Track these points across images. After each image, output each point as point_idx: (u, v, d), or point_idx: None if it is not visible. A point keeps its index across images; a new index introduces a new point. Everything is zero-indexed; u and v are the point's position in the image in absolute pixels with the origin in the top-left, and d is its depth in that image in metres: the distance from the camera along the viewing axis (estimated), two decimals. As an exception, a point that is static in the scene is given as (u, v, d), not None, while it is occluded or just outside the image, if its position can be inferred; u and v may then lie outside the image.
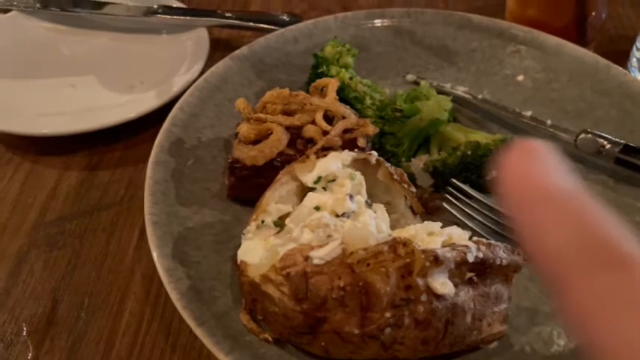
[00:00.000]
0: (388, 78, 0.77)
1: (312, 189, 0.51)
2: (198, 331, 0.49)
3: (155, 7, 0.90)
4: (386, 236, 0.46)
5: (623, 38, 0.87)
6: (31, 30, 0.91)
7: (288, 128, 0.60)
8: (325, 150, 0.57)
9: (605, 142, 0.63)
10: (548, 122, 0.68)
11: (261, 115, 0.61)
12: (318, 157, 0.53)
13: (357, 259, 0.43)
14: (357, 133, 0.61)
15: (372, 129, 0.61)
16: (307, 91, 0.66)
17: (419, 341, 0.44)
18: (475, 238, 0.46)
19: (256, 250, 0.49)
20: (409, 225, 0.51)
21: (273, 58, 0.77)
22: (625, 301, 0.20)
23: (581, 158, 0.66)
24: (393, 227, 0.52)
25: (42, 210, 0.68)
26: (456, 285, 0.44)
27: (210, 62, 0.78)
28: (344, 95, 0.68)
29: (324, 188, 0.51)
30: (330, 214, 0.48)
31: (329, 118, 0.62)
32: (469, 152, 0.62)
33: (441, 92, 0.72)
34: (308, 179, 0.52)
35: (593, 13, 0.80)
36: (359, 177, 0.52)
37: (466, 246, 0.45)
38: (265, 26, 0.87)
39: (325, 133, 0.60)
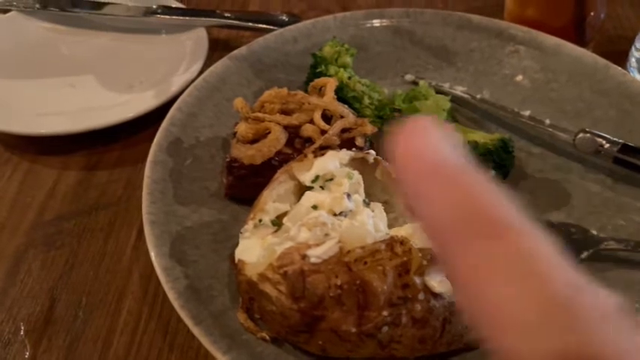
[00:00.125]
0: (387, 78, 0.77)
1: (310, 188, 0.51)
2: (195, 330, 0.49)
3: (154, 7, 0.90)
4: (383, 235, 0.46)
5: (622, 38, 0.87)
6: (30, 30, 0.91)
7: (286, 127, 0.60)
8: (323, 149, 0.57)
9: (604, 142, 0.63)
10: (547, 122, 0.68)
11: (260, 115, 0.61)
12: (315, 156, 0.53)
13: (354, 257, 0.43)
14: (356, 133, 0.61)
15: (370, 128, 0.61)
16: (306, 91, 0.66)
17: (416, 340, 0.44)
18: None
19: (254, 249, 0.49)
20: (407, 224, 0.51)
21: (271, 58, 0.77)
22: (497, 268, 0.21)
23: (580, 158, 0.66)
24: (390, 226, 0.52)
25: (40, 209, 0.68)
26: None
27: (209, 62, 0.78)
28: (342, 95, 0.68)
29: (322, 187, 0.51)
30: (328, 212, 0.48)
31: (327, 118, 0.62)
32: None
33: (439, 92, 0.72)
34: (306, 178, 0.52)
35: (592, 14, 0.80)
36: (357, 176, 0.52)
37: (463, 245, 0.44)
38: (264, 26, 0.87)
39: (323, 132, 0.60)
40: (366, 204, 0.51)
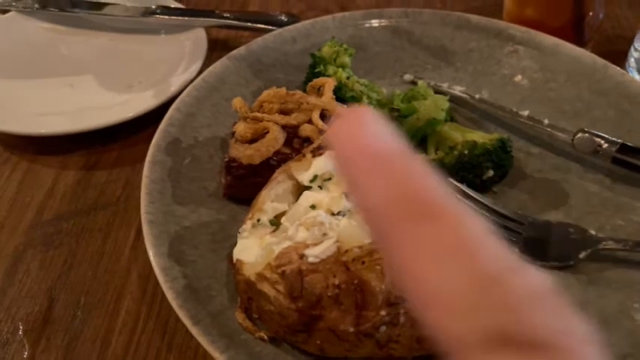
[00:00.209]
0: (385, 78, 0.77)
1: (308, 187, 0.51)
2: (193, 330, 0.49)
3: (153, 7, 0.90)
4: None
5: (620, 38, 0.87)
6: (29, 30, 0.91)
7: (284, 127, 0.60)
8: (321, 149, 0.57)
9: (602, 142, 0.63)
10: (546, 122, 0.68)
11: (258, 115, 0.61)
12: (314, 156, 0.53)
13: (352, 257, 0.43)
14: (354, 133, 0.61)
15: (368, 128, 0.61)
16: (304, 91, 0.66)
17: (414, 339, 0.44)
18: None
19: (252, 249, 0.49)
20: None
21: (270, 58, 0.77)
22: (431, 250, 0.21)
23: (578, 158, 0.66)
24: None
25: (39, 209, 0.68)
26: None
27: (208, 62, 0.78)
28: (341, 95, 0.68)
29: (320, 187, 0.51)
30: (326, 212, 0.48)
31: (326, 118, 0.62)
32: (466, 152, 0.62)
33: (438, 92, 0.72)
34: (304, 178, 0.52)
35: (591, 14, 0.80)
36: (355, 175, 0.52)
37: (461, 244, 0.44)
38: (263, 26, 0.87)
39: (322, 132, 0.60)
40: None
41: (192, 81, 0.73)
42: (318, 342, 0.45)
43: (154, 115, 0.72)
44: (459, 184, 0.62)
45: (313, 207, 0.49)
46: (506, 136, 0.65)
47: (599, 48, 0.84)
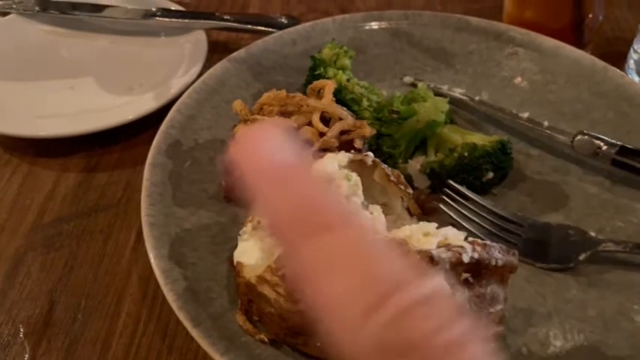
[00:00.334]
0: (385, 80, 0.78)
1: (309, 190, 0.51)
2: (194, 333, 0.49)
3: (153, 9, 0.90)
4: (382, 237, 0.46)
5: (620, 40, 0.88)
6: (29, 33, 0.91)
7: (284, 130, 0.61)
8: (322, 151, 0.57)
9: (602, 144, 0.63)
10: (545, 124, 0.68)
11: (258, 117, 0.61)
12: (314, 159, 0.53)
13: (352, 259, 0.43)
14: (354, 135, 0.61)
15: (368, 130, 0.61)
16: (304, 93, 0.66)
17: (414, 342, 0.44)
18: (470, 239, 0.46)
19: (252, 251, 0.49)
20: (406, 226, 0.51)
21: (270, 61, 0.77)
22: (328, 262, 0.21)
23: (578, 160, 0.66)
24: (389, 228, 0.52)
25: (39, 212, 0.68)
26: (451, 286, 0.44)
27: (208, 64, 0.78)
28: (341, 97, 0.68)
29: (320, 189, 0.51)
30: (326, 214, 0.48)
31: (326, 120, 0.62)
32: (466, 154, 0.63)
33: (438, 94, 0.72)
34: (304, 180, 0.52)
35: (590, 16, 0.80)
36: (355, 178, 0.52)
37: (461, 246, 0.44)
38: (263, 29, 0.87)
39: (322, 134, 0.60)
40: (365, 206, 0.51)
41: (192, 83, 0.73)
42: (319, 344, 0.45)
43: (155, 118, 0.72)
44: (458, 186, 0.62)
45: (313, 209, 0.49)
46: (506, 138, 0.66)
47: (598, 50, 0.84)
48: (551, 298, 0.54)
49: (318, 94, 0.65)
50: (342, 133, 0.61)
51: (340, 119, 0.61)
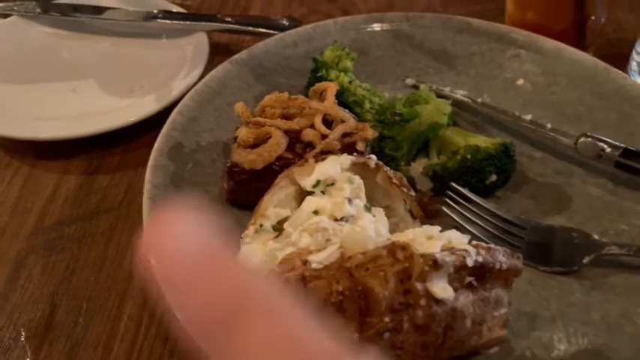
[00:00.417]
0: (387, 82, 0.77)
1: (311, 193, 0.51)
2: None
3: (155, 11, 0.90)
4: (385, 240, 0.46)
5: (622, 42, 0.87)
6: (31, 35, 0.91)
7: (286, 132, 0.60)
8: (324, 154, 0.56)
9: (605, 146, 0.63)
10: (548, 126, 0.68)
11: (260, 119, 0.61)
12: (316, 161, 0.53)
13: (355, 263, 0.43)
14: (356, 137, 0.61)
15: (371, 133, 0.61)
16: (306, 95, 0.66)
17: (418, 346, 0.44)
18: (474, 242, 0.46)
19: (255, 255, 0.49)
20: (409, 229, 0.50)
21: (272, 62, 0.77)
22: (255, 350, 0.20)
23: (581, 162, 0.65)
24: (392, 231, 0.52)
25: (41, 214, 0.68)
26: (455, 289, 0.44)
27: (209, 66, 0.78)
28: (343, 99, 0.68)
29: (323, 192, 0.51)
30: (329, 218, 0.48)
31: (328, 122, 0.62)
32: (469, 156, 0.62)
33: (440, 96, 0.72)
34: (307, 183, 0.52)
35: (593, 17, 0.80)
36: (358, 181, 0.52)
37: (465, 250, 0.44)
38: (265, 30, 0.87)
39: (324, 136, 0.60)
40: (368, 209, 0.51)
41: (194, 85, 0.73)
42: None
43: (156, 120, 0.72)
44: (461, 189, 0.61)
45: (316, 212, 0.48)
46: (509, 140, 0.65)
47: (600, 51, 0.84)
48: (555, 301, 0.54)
49: (320, 96, 0.65)
50: (345, 135, 0.60)
51: (342, 121, 0.61)
